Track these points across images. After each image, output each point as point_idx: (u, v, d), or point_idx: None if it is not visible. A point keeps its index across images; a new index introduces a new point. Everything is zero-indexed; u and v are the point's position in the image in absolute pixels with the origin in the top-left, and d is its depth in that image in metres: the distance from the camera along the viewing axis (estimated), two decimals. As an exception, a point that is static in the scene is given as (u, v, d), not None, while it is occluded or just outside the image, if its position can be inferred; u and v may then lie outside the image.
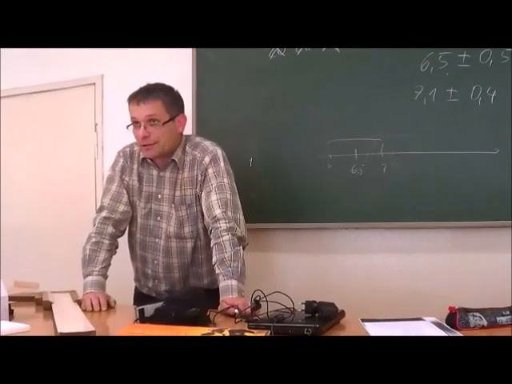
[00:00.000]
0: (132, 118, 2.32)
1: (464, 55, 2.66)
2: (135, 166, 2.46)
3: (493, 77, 2.64)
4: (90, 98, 3.67)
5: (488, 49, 2.62)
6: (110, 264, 2.40)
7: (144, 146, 2.33)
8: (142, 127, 2.28)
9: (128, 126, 2.34)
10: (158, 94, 2.31)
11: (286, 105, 3.01)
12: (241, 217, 2.37)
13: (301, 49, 2.94)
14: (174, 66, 3.24)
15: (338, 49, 2.86)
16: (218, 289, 2.20)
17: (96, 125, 3.66)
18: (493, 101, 2.64)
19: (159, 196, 2.43)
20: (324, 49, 2.88)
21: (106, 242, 2.40)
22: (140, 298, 2.55)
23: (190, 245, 2.44)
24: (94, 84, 3.65)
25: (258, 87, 3.06)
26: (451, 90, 2.70)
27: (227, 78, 3.14)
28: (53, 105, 3.80)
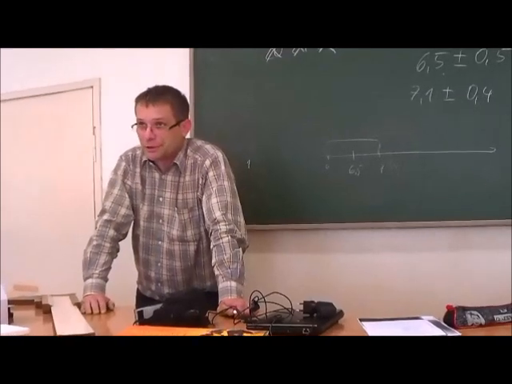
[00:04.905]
0: (139, 119, 2.32)
1: (460, 55, 2.67)
2: (138, 170, 2.47)
3: (489, 76, 2.65)
4: (88, 101, 3.67)
5: (484, 48, 2.62)
6: (110, 267, 2.41)
7: (148, 147, 2.33)
8: (148, 129, 2.28)
9: (133, 126, 2.35)
10: (166, 97, 2.32)
11: (283, 106, 3.01)
12: (241, 219, 2.38)
13: (297, 50, 2.94)
14: (172, 69, 3.24)
15: (334, 50, 2.87)
16: (219, 291, 2.21)
17: (94, 128, 3.66)
18: (489, 100, 2.65)
19: (160, 199, 2.43)
20: (320, 50, 2.89)
21: (107, 245, 2.41)
22: (142, 300, 2.55)
23: (192, 248, 2.45)
24: (92, 87, 3.65)
25: (256, 89, 3.07)
26: (447, 90, 2.71)
27: (225, 80, 3.15)
28: (51, 108, 3.80)
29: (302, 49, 2.93)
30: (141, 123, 2.31)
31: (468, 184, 2.68)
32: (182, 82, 3.05)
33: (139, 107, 2.32)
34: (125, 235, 2.51)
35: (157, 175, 2.44)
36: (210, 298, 2.13)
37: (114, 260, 2.44)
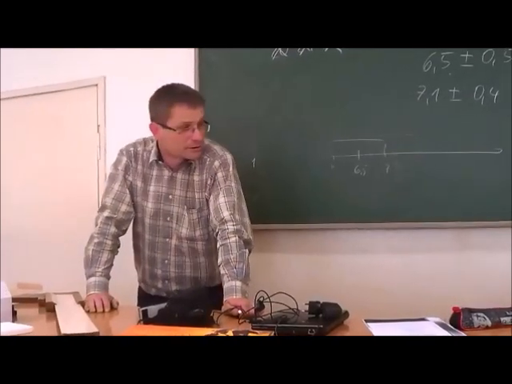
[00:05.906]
0: (186, 122, 2.24)
1: (466, 55, 2.66)
2: (139, 167, 2.44)
3: (495, 77, 2.64)
4: (93, 100, 3.67)
5: (490, 49, 2.61)
6: (112, 264, 2.40)
7: (195, 148, 2.31)
8: (196, 130, 2.26)
9: (177, 130, 2.24)
10: (201, 95, 2.34)
11: (289, 105, 3.00)
12: (247, 221, 2.39)
13: (303, 49, 2.94)
14: (176, 68, 3.24)
15: (340, 49, 2.86)
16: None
17: (98, 126, 3.66)
18: (495, 100, 2.64)
19: (170, 197, 2.41)
20: (326, 49, 2.88)
21: (109, 242, 2.39)
22: (145, 299, 2.52)
23: (201, 247, 2.45)
24: (97, 85, 3.66)
25: (261, 88, 3.06)
26: (454, 90, 2.70)
27: (230, 79, 3.14)
28: (55, 106, 3.81)
29: (307, 48, 2.92)
30: (186, 125, 2.25)
31: (474, 185, 2.67)
32: (187, 81, 3.02)
33: (185, 110, 2.24)
34: (124, 231, 2.49)
35: (166, 173, 2.41)
36: (217, 291, 2.18)
37: (118, 259, 2.43)
